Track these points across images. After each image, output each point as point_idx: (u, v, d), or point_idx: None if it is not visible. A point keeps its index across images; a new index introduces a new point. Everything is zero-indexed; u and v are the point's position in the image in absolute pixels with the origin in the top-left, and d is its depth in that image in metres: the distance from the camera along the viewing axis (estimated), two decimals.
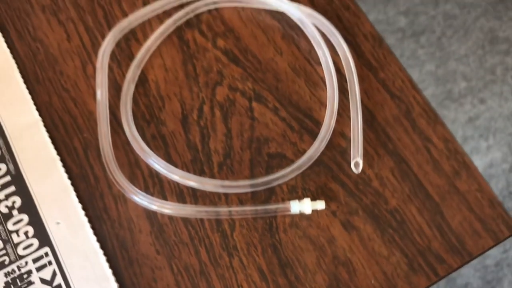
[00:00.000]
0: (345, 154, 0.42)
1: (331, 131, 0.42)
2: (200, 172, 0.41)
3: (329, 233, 0.40)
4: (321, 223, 0.40)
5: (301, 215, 0.40)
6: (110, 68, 0.45)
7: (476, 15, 1.55)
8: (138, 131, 0.42)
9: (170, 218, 0.40)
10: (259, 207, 0.40)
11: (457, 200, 0.41)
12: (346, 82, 0.44)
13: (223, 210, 0.40)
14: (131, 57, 0.45)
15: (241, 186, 0.41)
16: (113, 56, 0.45)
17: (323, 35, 0.45)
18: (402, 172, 0.41)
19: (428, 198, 0.41)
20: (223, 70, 0.44)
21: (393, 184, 0.41)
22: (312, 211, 0.40)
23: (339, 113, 0.43)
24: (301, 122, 0.43)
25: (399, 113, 0.43)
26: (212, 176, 0.41)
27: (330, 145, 0.42)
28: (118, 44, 0.46)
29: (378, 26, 1.48)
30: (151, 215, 0.40)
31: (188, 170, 0.41)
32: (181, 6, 0.47)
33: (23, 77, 0.44)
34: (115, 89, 0.44)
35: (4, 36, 0.46)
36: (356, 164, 0.41)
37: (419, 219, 0.40)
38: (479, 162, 1.35)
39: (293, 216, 0.40)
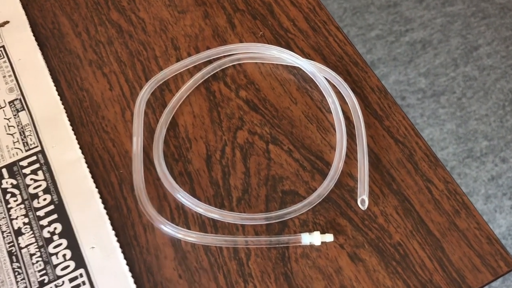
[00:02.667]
0: (353, 193, 0.46)
1: (340, 171, 0.46)
2: (221, 206, 0.46)
3: (337, 264, 0.43)
4: (329, 255, 0.44)
5: (311, 247, 0.44)
6: (146, 114, 0.51)
7: (496, 77, 1.60)
8: (168, 169, 0.47)
9: (193, 246, 0.44)
10: (273, 238, 0.44)
11: (457, 237, 0.44)
12: (354, 128, 0.49)
13: (240, 239, 0.44)
14: (164, 105, 0.51)
15: (257, 218, 0.45)
16: (148, 103, 0.51)
17: (334, 86, 0.50)
18: (405, 209, 0.45)
19: (430, 234, 0.44)
20: (244, 116, 0.50)
21: (396, 220, 0.45)
22: (322, 243, 0.44)
23: (347, 156, 0.48)
24: (313, 163, 0.47)
25: (402, 156, 0.47)
26: (231, 209, 0.46)
27: (339, 184, 0.46)
28: (153, 93, 0.52)
29: (398, 87, 1.54)
30: (175, 243, 0.45)
31: (210, 204, 0.46)
32: (209, 62, 0.53)
33: (70, 120, 0.50)
34: (148, 132, 0.50)
35: (55, 85, 0.52)
36: (362, 201, 0.45)
37: (421, 253, 0.44)
38: (503, 221, 1.35)
39: (304, 247, 0.44)
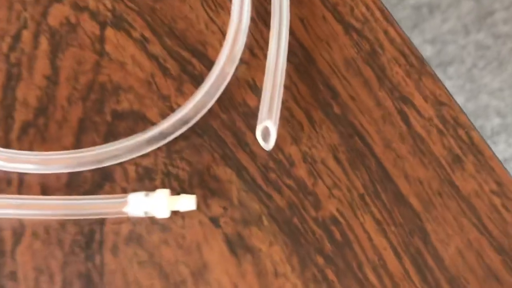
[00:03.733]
0: (251, 118, 0.24)
1: (229, 77, 0.24)
2: None
3: (200, 257, 0.21)
4: (187, 239, 0.21)
5: (151, 222, 0.22)
6: None
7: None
8: None
9: None
10: (75, 201, 0.22)
11: (457, 209, 0.22)
12: (270, 3, 0.26)
13: (7, 202, 0.22)
14: None
15: (52, 161, 0.23)
16: None
17: None
18: (354, 153, 0.23)
19: (401, 205, 0.22)
20: None
21: (334, 173, 0.22)
22: (173, 213, 0.21)
23: (250, 51, 0.25)
24: (185, 63, 0.25)
25: (357, 55, 0.25)
26: (8, 144, 0.24)
27: (227, 102, 0.24)
28: None
29: None
30: None
31: None
32: None
33: None
34: None
35: None
36: (266, 133, 0.22)
37: (380, 241, 0.21)
38: None
39: (135, 224, 0.22)
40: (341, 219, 0.21)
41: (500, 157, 1.14)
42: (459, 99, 1.24)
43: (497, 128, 1.21)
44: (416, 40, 1.36)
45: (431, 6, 1.40)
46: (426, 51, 1.37)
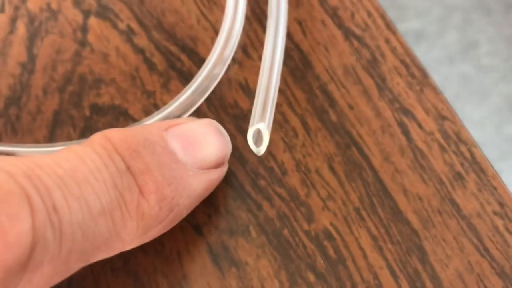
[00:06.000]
0: (242, 121, 0.22)
1: (220, 75, 0.22)
2: None
3: (181, 267, 0.19)
4: (166, 247, 0.20)
5: None
6: None
7: (495, 78, 1.38)
8: None
9: None
10: None
11: (457, 229, 0.20)
12: (267, 3, 0.25)
13: None
14: None
15: (20, 152, 0.21)
16: None
17: None
18: (350, 164, 0.21)
19: (398, 221, 0.20)
20: None
21: (329, 184, 0.21)
22: None
23: (245, 51, 0.24)
24: (173, 58, 0.23)
25: (356, 62, 0.23)
26: None
27: (217, 102, 0.22)
28: None
29: None
30: None
31: None
32: None
33: None
34: None
35: None
36: (258, 137, 0.21)
37: (375, 259, 0.20)
38: None
39: None
40: (335, 234, 0.20)
41: None
42: None
43: None
44: None
45: (417, 34, 1.42)
46: None
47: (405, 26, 1.45)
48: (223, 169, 0.19)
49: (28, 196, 0.14)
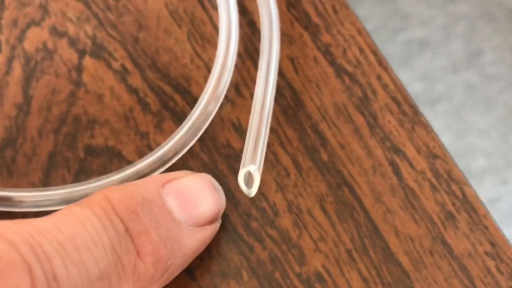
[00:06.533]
0: (234, 161, 0.22)
1: (212, 115, 0.22)
2: None
3: None
4: None
5: None
6: None
7: (500, 87, 1.38)
8: None
9: None
10: None
11: (448, 270, 0.20)
12: (260, 41, 0.25)
13: None
14: None
15: (16, 200, 0.21)
16: None
17: None
18: (342, 205, 0.21)
19: (390, 262, 0.20)
20: (50, 3, 0.26)
21: (321, 225, 0.21)
22: None
23: (238, 91, 0.24)
24: (166, 98, 0.24)
25: (347, 101, 0.24)
26: None
27: (209, 142, 0.23)
28: None
29: None
30: None
31: None
32: None
33: None
34: None
35: None
36: (249, 178, 0.21)
37: None
38: None
39: None
40: (326, 276, 0.20)
41: (484, 198, 1.14)
42: (446, 138, 1.25)
43: (483, 169, 1.22)
44: (406, 76, 1.37)
45: (421, 43, 1.42)
46: (415, 88, 1.38)
47: (409, 35, 1.45)
48: (217, 225, 0.19)
49: (29, 266, 0.14)
